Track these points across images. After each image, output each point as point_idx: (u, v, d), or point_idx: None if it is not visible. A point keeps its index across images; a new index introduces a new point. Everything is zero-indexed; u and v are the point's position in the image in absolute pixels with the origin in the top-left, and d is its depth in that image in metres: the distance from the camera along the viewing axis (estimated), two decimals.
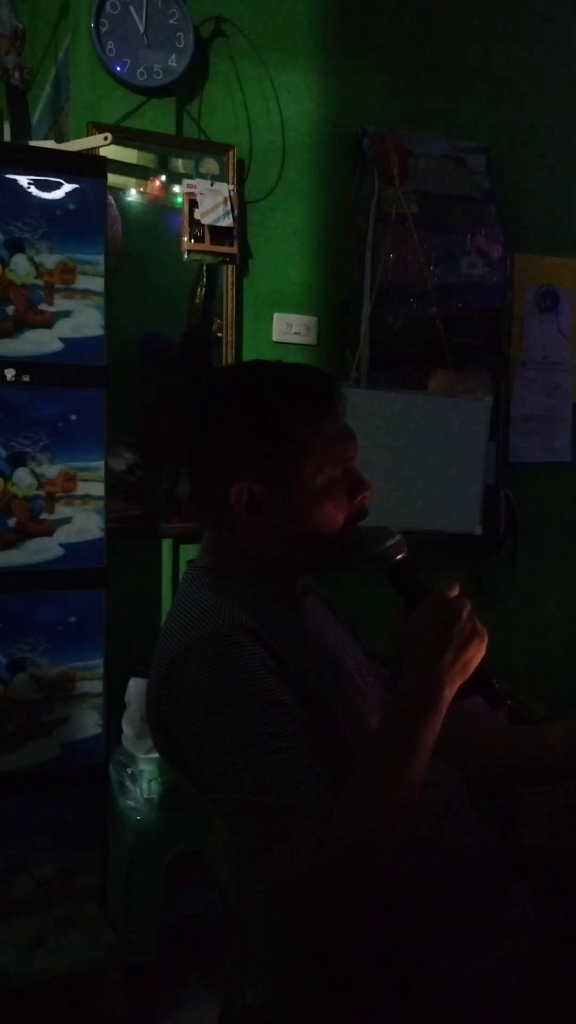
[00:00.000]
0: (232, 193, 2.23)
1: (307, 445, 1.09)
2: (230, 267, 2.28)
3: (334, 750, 1.02)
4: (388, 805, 0.93)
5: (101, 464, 1.94)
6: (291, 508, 1.09)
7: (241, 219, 2.28)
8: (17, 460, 1.86)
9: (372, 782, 0.94)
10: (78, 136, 2.10)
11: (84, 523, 1.92)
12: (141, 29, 2.15)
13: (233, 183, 2.24)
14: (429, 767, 0.97)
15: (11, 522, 1.87)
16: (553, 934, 1.15)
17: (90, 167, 1.93)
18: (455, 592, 1.04)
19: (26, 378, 1.86)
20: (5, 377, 1.84)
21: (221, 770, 0.97)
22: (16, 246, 1.85)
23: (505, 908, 1.15)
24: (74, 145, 2.03)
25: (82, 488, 1.92)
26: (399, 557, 1.11)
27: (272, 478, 1.09)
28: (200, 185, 2.20)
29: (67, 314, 1.89)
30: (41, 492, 1.89)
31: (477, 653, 1.02)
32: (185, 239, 2.20)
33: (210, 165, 2.22)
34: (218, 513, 1.13)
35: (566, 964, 1.13)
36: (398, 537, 1.12)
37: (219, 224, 2.21)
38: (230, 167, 2.25)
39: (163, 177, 2.30)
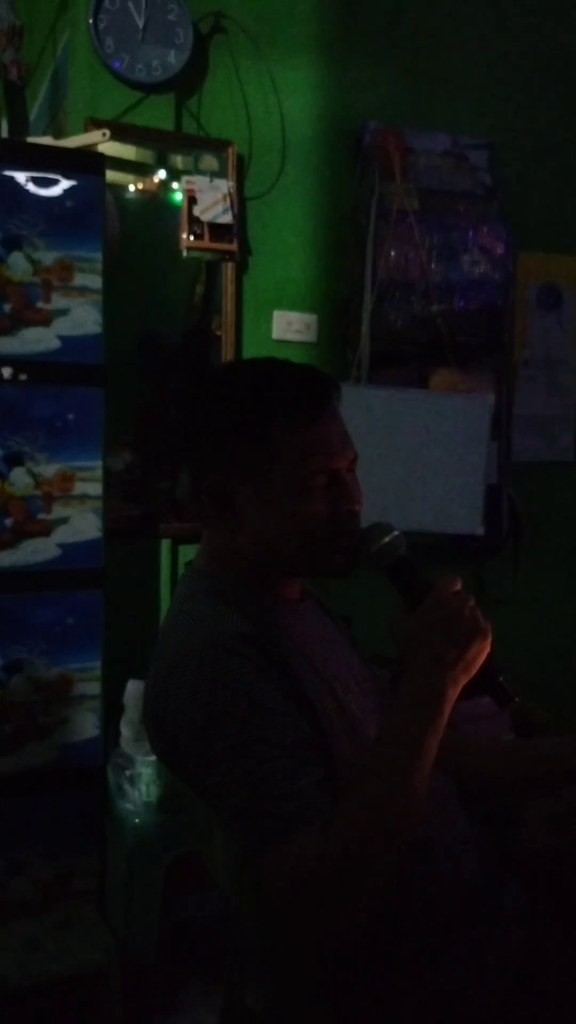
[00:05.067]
0: (231, 190, 2.21)
1: (281, 449, 1.06)
2: (229, 264, 2.27)
3: (328, 757, 1.01)
4: (390, 811, 0.92)
5: (99, 464, 1.92)
6: (261, 509, 1.07)
7: (241, 216, 2.27)
8: (14, 459, 1.85)
9: (374, 787, 0.93)
10: (76, 132, 2.08)
11: (82, 523, 1.91)
12: (140, 25, 2.14)
13: (233, 179, 2.23)
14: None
15: (8, 522, 1.85)
16: (551, 934, 1.15)
17: (88, 164, 1.91)
18: (457, 588, 1.02)
19: (23, 377, 1.85)
20: (2, 376, 1.83)
21: (220, 778, 0.96)
22: (13, 243, 1.83)
23: (501, 909, 1.14)
24: (72, 142, 2.02)
25: (80, 488, 1.90)
26: (398, 554, 1.09)
27: (244, 477, 1.07)
28: (199, 182, 2.18)
29: (65, 312, 1.88)
30: (38, 492, 1.87)
31: (481, 651, 1.00)
32: (184, 236, 2.19)
33: (209, 161, 2.21)
34: (197, 505, 1.12)
35: (564, 964, 1.13)
36: (396, 533, 1.09)
37: (218, 221, 2.20)
38: (229, 163, 2.23)
39: (162, 174, 2.29)
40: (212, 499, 1.09)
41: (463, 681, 0.99)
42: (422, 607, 1.02)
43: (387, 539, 1.09)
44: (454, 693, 0.98)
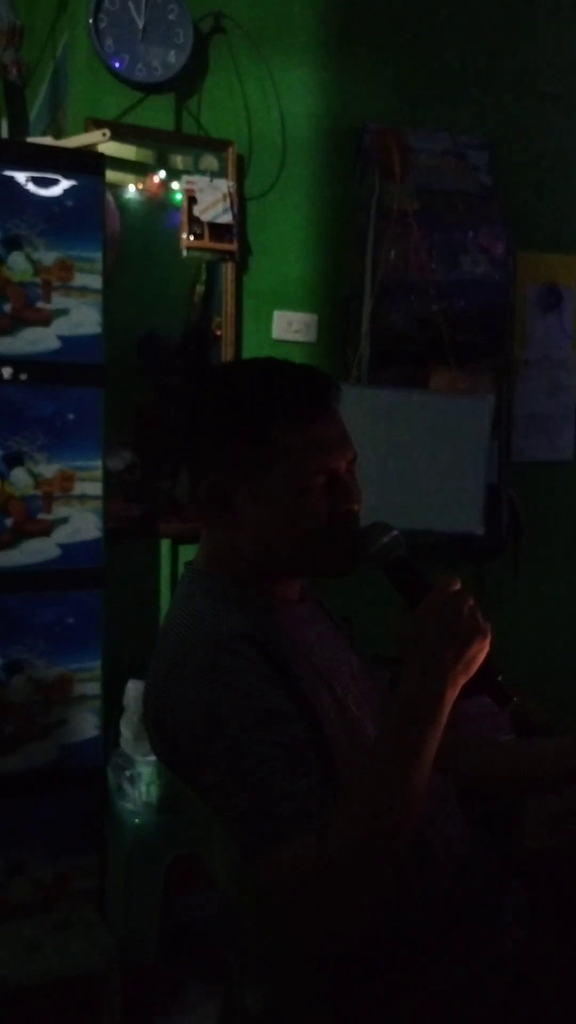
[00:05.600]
0: (231, 189, 2.21)
1: (280, 449, 1.05)
2: (229, 264, 2.27)
3: (327, 758, 1.01)
4: (389, 812, 0.91)
5: (99, 464, 1.92)
6: (260, 509, 1.07)
7: (241, 216, 2.27)
8: (14, 459, 1.85)
9: (374, 786, 0.93)
10: (76, 132, 2.08)
11: (82, 523, 1.91)
12: (140, 25, 2.14)
13: (232, 179, 2.23)
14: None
15: (8, 522, 1.85)
16: (551, 934, 1.15)
17: (88, 164, 1.91)
18: (456, 588, 1.02)
19: (23, 376, 1.85)
20: (2, 376, 1.83)
21: (219, 778, 0.96)
22: (13, 243, 1.83)
23: (501, 909, 1.13)
24: (72, 142, 2.02)
25: (80, 488, 1.91)
26: (397, 553, 1.09)
27: (243, 477, 1.07)
28: (199, 181, 2.18)
29: (65, 312, 1.88)
30: (38, 492, 1.87)
31: (480, 651, 1.00)
32: (184, 236, 2.19)
33: (209, 161, 2.21)
34: (197, 505, 1.12)
35: (564, 964, 1.12)
36: (395, 532, 1.09)
37: (218, 221, 2.20)
38: (229, 163, 2.23)
39: (162, 173, 2.28)
40: (211, 499, 1.09)
41: (462, 681, 0.99)
42: (421, 607, 1.02)
43: (386, 539, 1.08)
44: (453, 693, 0.98)
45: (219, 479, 1.08)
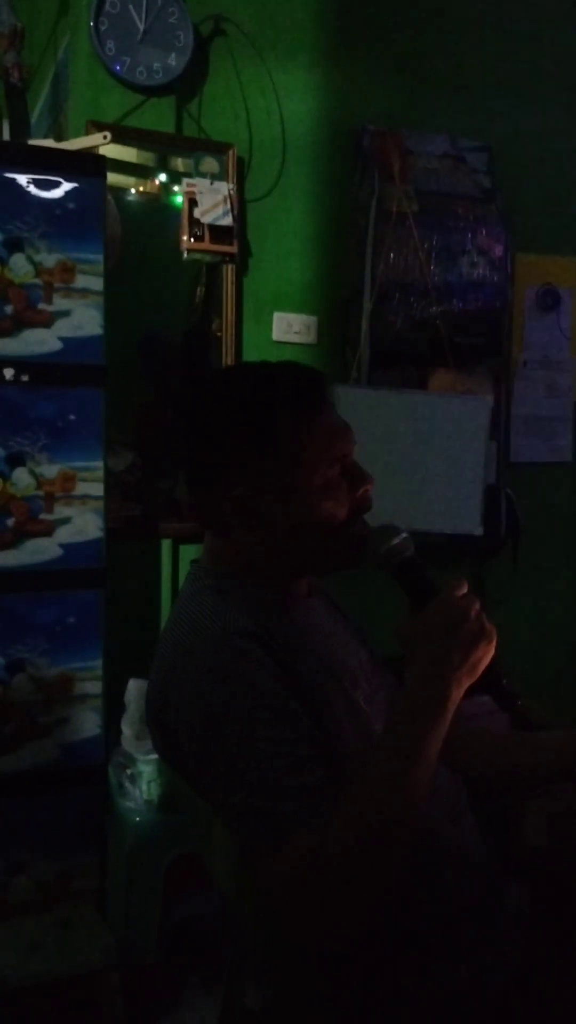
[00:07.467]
0: (232, 192, 2.22)
1: (299, 448, 1.07)
2: (230, 266, 2.28)
3: (336, 754, 1.01)
4: (392, 811, 0.92)
5: (100, 464, 1.93)
6: (290, 512, 1.07)
7: (241, 218, 2.28)
8: (16, 460, 1.86)
9: (376, 787, 0.93)
10: (77, 135, 2.09)
11: (83, 523, 1.91)
12: (141, 27, 2.15)
13: (233, 182, 2.23)
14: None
15: (10, 522, 1.86)
16: (551, 934, 1.15)
17: (89, 166, 1.92)
18: (463, 591, 1.03)
19: (25, 377, 1.85)
20: (4, 376, 1.84)
21: (219, 776, 0.96)
22: (15, 245, 1.84)
23: (502, 909, 1.14)
24: (73, 144, 2.03)
25: (81, 488, 1.91)
26: (405, 555, 1.09)
27: (268, 485, 1.07)
28: (200, 184, 2.19)
29: (66, 313, 1.88)
30: (40, 492, 1.88)
31: (486, 654, 1.00)
32: (185, 238, 2.19)
33: (210, 164, 2.21)
34: (216, 521, 1.11)
35: (564, 964, 1.13)
36: (404, 535, 1.10)
37: (219, 223, 2.21)
38: (230, 166, 2.24)
39: (163, 176, 2.29)
40: (240, 513, 1.08)
41: (467, 683, 0.99)
42: (428, 609, 1.03)
43: (396, 541, 1.09)
44: (458, 695, 0.98)
45: (245, 493, 1.08)
